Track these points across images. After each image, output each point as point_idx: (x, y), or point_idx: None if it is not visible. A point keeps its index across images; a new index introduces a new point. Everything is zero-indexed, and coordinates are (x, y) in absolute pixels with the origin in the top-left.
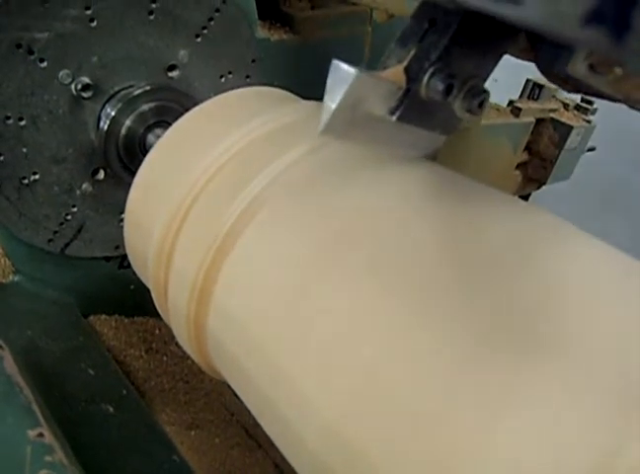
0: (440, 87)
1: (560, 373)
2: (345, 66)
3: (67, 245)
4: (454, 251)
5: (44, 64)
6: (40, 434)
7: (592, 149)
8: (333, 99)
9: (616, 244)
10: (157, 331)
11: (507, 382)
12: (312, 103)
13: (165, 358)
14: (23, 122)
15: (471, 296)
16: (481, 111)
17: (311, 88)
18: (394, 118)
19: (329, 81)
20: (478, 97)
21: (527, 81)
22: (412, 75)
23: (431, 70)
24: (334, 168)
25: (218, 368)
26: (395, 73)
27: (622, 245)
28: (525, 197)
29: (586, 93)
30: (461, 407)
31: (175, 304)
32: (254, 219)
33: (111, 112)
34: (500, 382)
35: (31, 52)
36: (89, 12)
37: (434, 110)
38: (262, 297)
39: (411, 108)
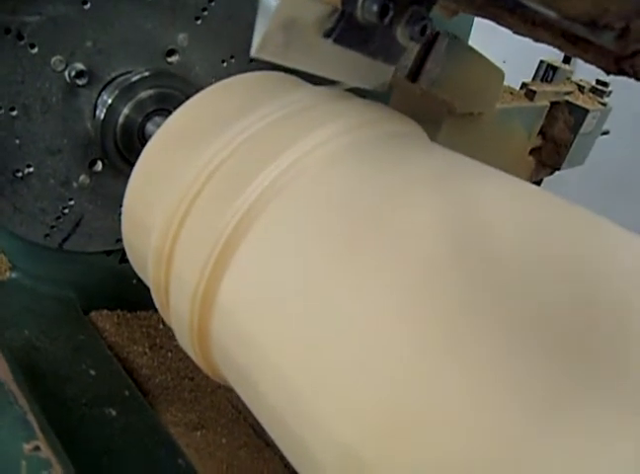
0: (375, 8)
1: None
2: None
3: (65, 240)
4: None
5: (35, 50)
6: (37, 448)
7: (605, 133)
8: (264, 18)
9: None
10: (161, 326)
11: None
12: (321, 88)
13: (170, 355)
14: (14, 113)
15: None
16: (423, 38)
17: None
18: (330, 40)
19: (260, 2)
20: (419, 23)
21: (541, 62)
22: None
23: None
24: (350, 160)
25: (225, 376)
26: None
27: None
28: (537, 184)
29: (533, 23)
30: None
31: (177, 310)
32: (259, 218)
33: (107, 99)
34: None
35: (20, 38)
36: None
37: (373, 35)
38: (272, 305)
39: (348, 31)
